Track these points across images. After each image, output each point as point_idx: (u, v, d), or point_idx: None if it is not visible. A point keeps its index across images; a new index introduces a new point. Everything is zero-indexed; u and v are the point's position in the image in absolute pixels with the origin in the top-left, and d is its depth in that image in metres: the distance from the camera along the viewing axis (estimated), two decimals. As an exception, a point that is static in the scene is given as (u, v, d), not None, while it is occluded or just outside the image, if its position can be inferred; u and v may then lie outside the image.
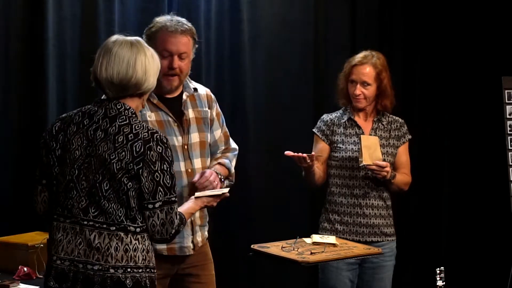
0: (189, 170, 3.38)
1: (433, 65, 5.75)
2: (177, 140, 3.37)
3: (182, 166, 3.37)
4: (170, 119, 3.38)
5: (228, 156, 3.59)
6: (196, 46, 3.44)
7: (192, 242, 3.43)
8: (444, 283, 3.28)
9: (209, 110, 3.53)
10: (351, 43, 5.49)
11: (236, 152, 3.65)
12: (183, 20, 3.40)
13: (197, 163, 3.42)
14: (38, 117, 4.19)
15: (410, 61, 5.71)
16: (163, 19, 3.38)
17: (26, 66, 4.20)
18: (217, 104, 3.61)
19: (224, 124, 3.64)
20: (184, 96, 3.45)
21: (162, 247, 3.32)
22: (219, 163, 3.51)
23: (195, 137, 3.43)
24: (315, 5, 5.39)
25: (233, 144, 3.66)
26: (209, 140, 3.51)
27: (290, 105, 5.28)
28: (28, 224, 3.99)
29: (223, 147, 3.61)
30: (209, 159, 3.50)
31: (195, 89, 3.51)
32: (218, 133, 3.58)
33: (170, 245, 3.35)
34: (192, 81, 3.53)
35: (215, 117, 3.56)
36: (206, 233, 3.54)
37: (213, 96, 3.59)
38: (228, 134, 3.65)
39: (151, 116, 3.35)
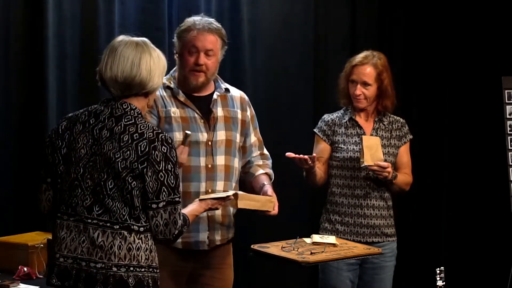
0: (209, 166, 3.41)
1: (433, 65, 5.75)
2: (202, 136, 3.41)
3: (202, 161, 3.40)
4: (196, 115, 3.43)
5: (269, 164, 3.67)
6: (226, 47, 3.49)
7: (208, 238, 3.43)
8: (444, 283, 3.27)
9: (239, 111, 3.56)
10: (351, 43, 5.49)
11: (271, 161, 3.72)
12: (212, 20, 3.47)
13: (220, 160, 3.44)
14: (38, 117, 4.18)
15: (410, 61, 5.71)
16: (192, 19, 3.46)
17: (26, 66, 4.19)
18: (251, 107, 3.65)
19: (257, 128, 3.68)
20: (214, 95, 3.49)
21: (177, 240, 3.33)
22: (266, 174, 3.62)
23: (221, 134, 3.46)
24: (315, 5, 5.39)
25: (266, 150, 3.71)
26: (237, 140, 3.54)
27: (290, 105, 5.28)
28: (28, 224, 3.99)
29: (258, 152, 3.65)
30: (235, 159, 3.52)
31: (227, 90, 3.55)
32: (253, 137, 3.63)
33: (185, 239, 3.36)
34: (225, 83, 3.58)
35: (249, 120, 3.61)
36: (230, 234, 3.55)
37: (246, 98, 3.64)
38: (261, 139, 3.69)
39: (175, 112, 3.39)
